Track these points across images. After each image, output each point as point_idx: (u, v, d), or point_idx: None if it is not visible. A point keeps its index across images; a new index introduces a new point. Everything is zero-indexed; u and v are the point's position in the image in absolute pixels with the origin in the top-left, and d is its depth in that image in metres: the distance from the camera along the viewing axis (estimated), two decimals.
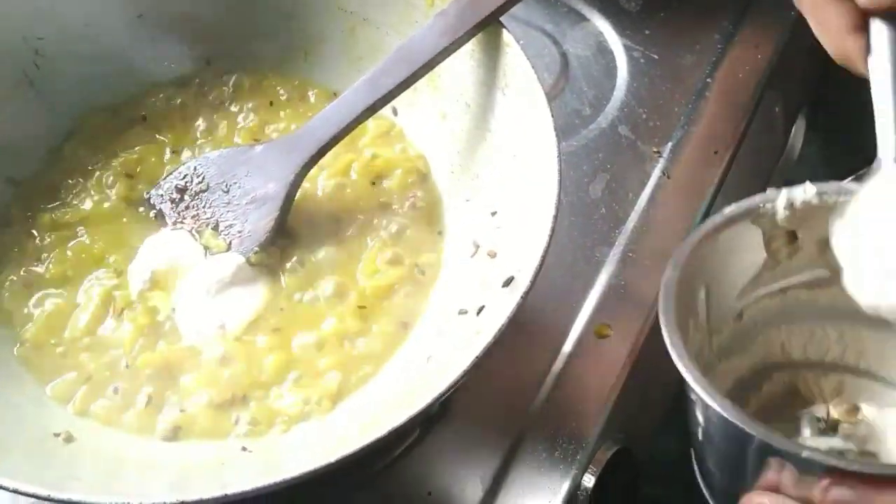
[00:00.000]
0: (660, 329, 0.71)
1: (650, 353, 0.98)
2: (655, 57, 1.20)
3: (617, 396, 0.95)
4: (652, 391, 1.02)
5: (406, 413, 0.68)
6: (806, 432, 0.81)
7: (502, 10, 0.87)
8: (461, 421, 0.90)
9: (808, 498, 0.62)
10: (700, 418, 0.71)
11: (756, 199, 0.75)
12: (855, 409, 0.82)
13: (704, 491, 0.78)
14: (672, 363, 0.68)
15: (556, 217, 0.78)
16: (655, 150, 1.12)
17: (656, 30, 1.23)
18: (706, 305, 0.78)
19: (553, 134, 0.81)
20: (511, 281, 0.78)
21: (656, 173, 1.10)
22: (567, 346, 0.97)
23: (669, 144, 1.12)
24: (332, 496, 0.85)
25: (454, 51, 0.89)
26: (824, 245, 0.72)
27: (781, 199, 0.74)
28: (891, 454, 0.78)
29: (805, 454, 0.61)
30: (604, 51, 1.22)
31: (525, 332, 0.92)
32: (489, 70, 0.91)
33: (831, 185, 0.73)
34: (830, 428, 0.81)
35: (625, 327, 0.99)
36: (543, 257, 0.75)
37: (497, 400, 0.92)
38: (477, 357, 0.70)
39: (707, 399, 0.65)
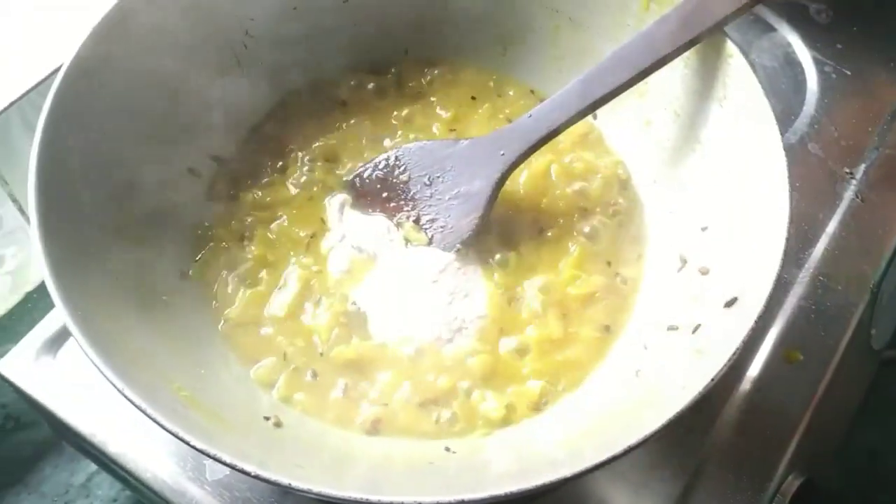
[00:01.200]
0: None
1: (842, 381, 0.95)
2: (847, 72, 1.16)
3: (806, 425, 0.92)
4: (839, 420, 0.99)
5: (639, 433, 0.66)
6: None
7: (730, 18, 0.85)
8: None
9: None
10: None
11: None
12: None
13: None
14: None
15: (787, 240, 0.75)
16: (848, 171, 1.08)
17: (848, 44, 1.19)
18: None
19: (782, 153, 0.79)
20: (734, 302, 0.76)
21: (849, 195, 1.06)
22: (753, 370, 0.95)
23: (863, 166, 1.08)
24: None
25: (673, 59, 0.86)
26: None
27: None
28: None
29: None
30: (792, 63, 1.18)
31: None
32: (705, 79, 0.88)
33: None
34: None
35: (816, 353, 0.96)
36: (776, 281, 0.73)
37: (677, 421, 0.90)
38: (712, 380, 0.68)
39: None
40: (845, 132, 1.10)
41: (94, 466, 1.13)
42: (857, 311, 0.98)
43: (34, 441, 1.17)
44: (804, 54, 1.17)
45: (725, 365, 0.69)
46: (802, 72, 1.16)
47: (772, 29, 1.20)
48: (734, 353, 0.69)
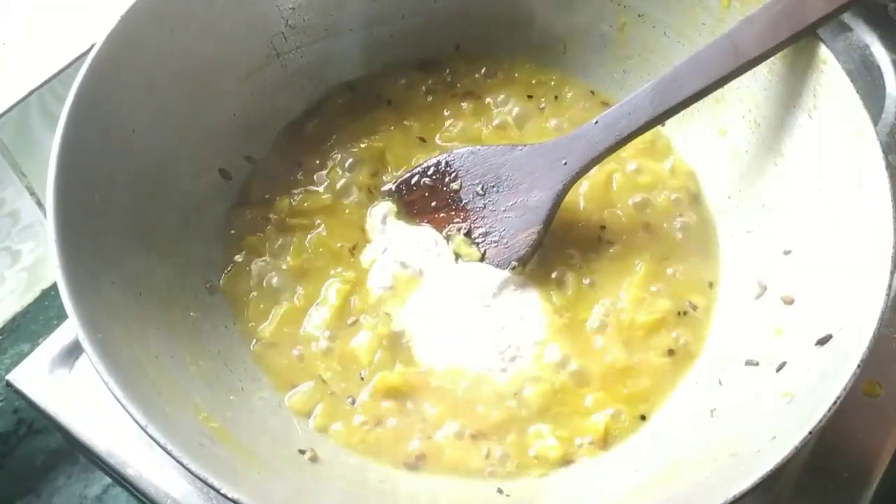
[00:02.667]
0: None
1: None
2: None
3: (888, 465, 0.84)
4: None
5: (725, 492, 0.59)
6: None
7: (825, 20, 0.76)
8: None
9: None
10: None
11: None
12: None
13: None
14: None
15: (893, 273, 0.66)
16: None
17: None
18: None
19: (885, 173, 0.70)
20: (829, 339, 0.68)
21: None
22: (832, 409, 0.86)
23: None
24: None
25: (758, 64, 0.77)
26: None
27: None
28: None
29: None
30: (869, 65, 1.09)
31: None
32: (793, 87, 0.80)
33: None
34: None
35: None
36: (881, 319, 0.64)
37: None
38: (810, 433, 0.60)
39: None
40: None
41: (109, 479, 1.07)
42: None
43: (47, 449, 1.11)
44: (883, 57, 1.08)
45: (825, 416, 0.61)
46: (881, 76, 1.07)
47: (847, 28, 1.11)
48: (835, 402, 0.62)
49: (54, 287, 1.03)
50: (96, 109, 0.73)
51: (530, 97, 0.92)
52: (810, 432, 0.60)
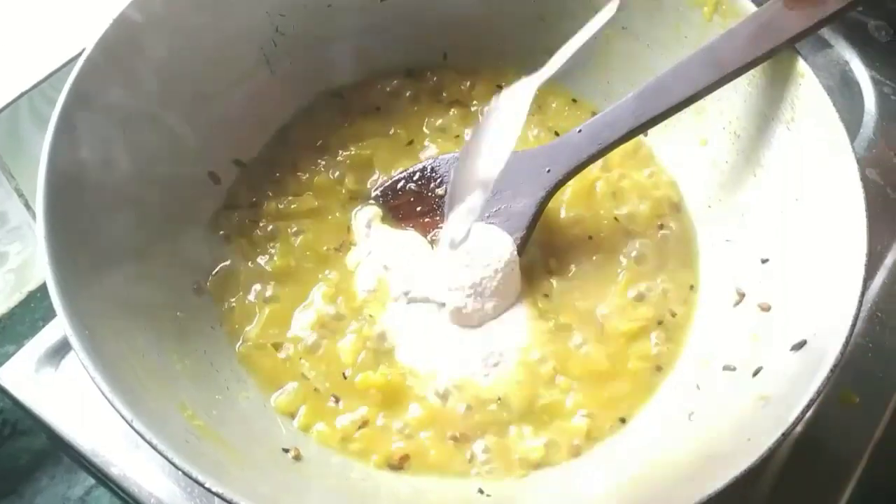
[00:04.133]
0: None
1: None
2: None
3: (861, 473, 0.85)
4: (894, 466, 0.92)
5: (700, 490, 0.60)
6: None
7: (804, 34, 0.78)
8: None
9: None
10: None
11: None
12: None
13: None
14: None
15: (865, 281, 0.68)
16: None
17: None
18: None
19: (859, 184, 0.72)
20: (803, 345, 0.69)
21: None
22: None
23: None
24: None
25: (739, 76, 0.79)
26: None
27: None
28: None
29: None
30: (849, 82, 1.11)
31: None
32: (771, 100, 0.81)
33: None
34: None
35: (873, 395, 0.89)
36: (853, 326, 0.66)
37: None
38: (784, 435, 0.61)
39: None
40: None
41: (92, 479, 1.07)
42: None
43: (31, 449, 1.11)
44: (862, 73, 1.10)
45: (798, 418, 0.62)
46: (860, 92, 1.09)
47: (827, 45, 1.13)
48: (808, 405, 0.63)
49: (40, 289, 1.04)
50: (86, 112, 0.74)
51: None
52: (784, 434, 0.61)
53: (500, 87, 0.94)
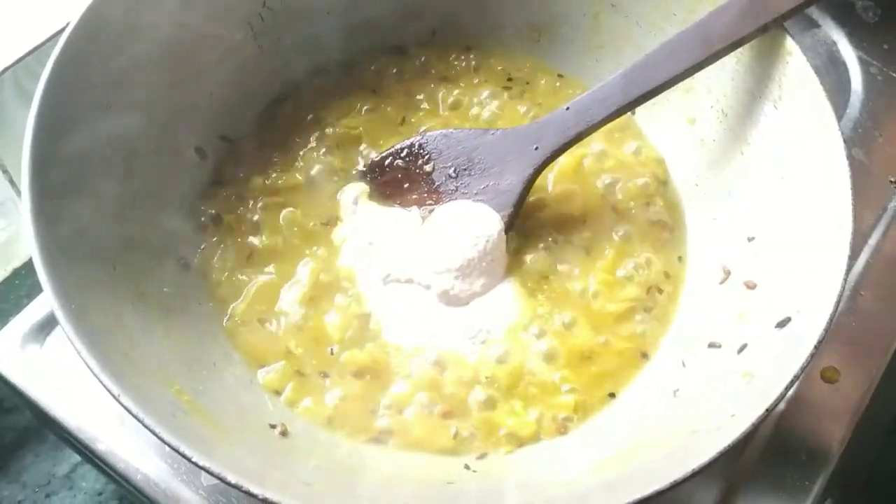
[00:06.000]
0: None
1: (880, 402, 0.89)
2: (894, 75, 1.09)
3: (843, 450, 0.86)
4: (873, 443, 0.93)
5: (684, 465, 0.60)
6: None
7: (793, 12, 0.78)
8: None
9: None
10: None
11: None
12: None
13: None
14: None
15: (849, 259, 0.68)
16: (892, 179, 1.02)
17: None
18: None
19: (846, 163, 0.72)
20: (787, 322, 0.69)
21: (893, 206, 1.00)
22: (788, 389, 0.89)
23: None
24: None
25: (727, 54, 0.79)
26: None
27: None
28: None
29: None
30: (836, 62, 1.12)
31: None
32: (759, 78, 0.82)
33: None
34: None
35: (855, 372, 0.90)
36: (837, 303, 0.66)
37: None
38: (767, 410, 0.62)
39: None
40: (891, 138, 1.03)
41: (78, 457, 1.07)
42: None
43: (16, 427, 1.11)
44: (849, 53, 1.11)
45: (782, 394, 0.63)
46: (846, 72, 1.09)
47: (815, 25, 1.13)
48: (791, 381, 0.63)
49: (25, 266, 1.04)
50: (72, 86, 0.74)
51: (504, 83, 0.93)
52: (767, 410, 0.62)
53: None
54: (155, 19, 0.80)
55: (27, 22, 0.97)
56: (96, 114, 0.76)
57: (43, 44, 0.94)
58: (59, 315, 0.62)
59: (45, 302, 0.85)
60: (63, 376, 0.84)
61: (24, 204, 0.67)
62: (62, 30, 0.74)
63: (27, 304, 0.89)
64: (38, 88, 0.71)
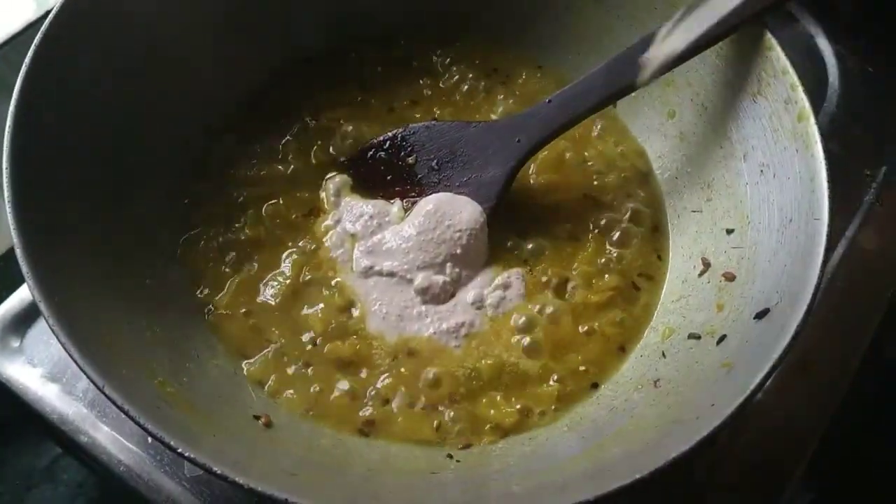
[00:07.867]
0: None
1: (857, 393, 0.91)
2: (871, 70, 1.11)
3: (821, 440, 0.88)
4: (851, 435, 0.95)
5: (666, 454, 0.61)
6: None
7: (773, 7, 0.79)
8: None
9: None
10: None
11: None
12: None
13: None
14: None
15: (827, 250, 0.69)
16: (868, 172, 1.04)
17: (873, 39, 1.13)
18: None
19: (822, 157, 0.73)
20: (766, 314, 0.70)
21: (869, 199, 1.01)
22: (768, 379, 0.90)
23: (884, 169, 1.04)
24: None
25: (710, 47, 0.80)
26: None
27: None
28: None
29: None
30: (813, 56, 1.13)
31: None
32: (739, 72, 0.82)
33: None
34: None
35: (832, 364, 0.91)
36: (815, 295, 0.67)
37: None
38: (746, 399, 0.63)
39: None
40: (868, 132, 1.04)
41: (59, 449, 1.06)
42: (875, 321, 0.93)
43: None
44: (826, 48, 1.12)
45: (760, 385, 0.63)
46: (824, 66, 1.10)
47: (794, 19, 1.14)
48: (769, 372, 0.64)
49: (4, 257, 1.02)
50: (52, 75, 0.73)
51: (486, 75, 0.94)
52: (746, 400, 0.63)
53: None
54: (135, 8, 0.79)
55: (3, 11, 0.96)
56: (77, 103, 0.75)
57: (22, 32, 0.93)
58: (42, 307, 0.62)
59: (26, 294, 0.85)
60: (44, 369, 0.83)
61: (5, 193, 0.67)
62: (41, 18, 0.73)
63: (6, 296, 0.88)
64: (18, 77, 0.71)
